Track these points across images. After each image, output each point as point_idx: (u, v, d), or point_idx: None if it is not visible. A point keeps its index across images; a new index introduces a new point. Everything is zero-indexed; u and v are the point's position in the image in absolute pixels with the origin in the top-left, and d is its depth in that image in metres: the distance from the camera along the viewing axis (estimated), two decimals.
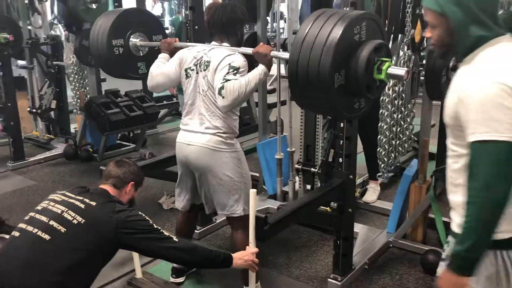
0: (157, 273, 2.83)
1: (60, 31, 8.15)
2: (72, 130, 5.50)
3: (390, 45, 2.79)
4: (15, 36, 4.46)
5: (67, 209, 1.84)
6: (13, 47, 4.55)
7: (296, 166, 3.38)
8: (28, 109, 5.37)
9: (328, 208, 2.73)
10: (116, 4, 5.09)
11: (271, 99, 4.10)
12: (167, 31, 13.08)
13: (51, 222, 1.80)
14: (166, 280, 2.77)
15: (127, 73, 3.08)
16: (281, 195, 3.63)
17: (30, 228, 1.81)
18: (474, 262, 1.37)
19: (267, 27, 6.78)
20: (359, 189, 3.83)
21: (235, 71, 2.28)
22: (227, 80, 2.25)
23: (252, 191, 2.11)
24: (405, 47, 2.88)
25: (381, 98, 3.23)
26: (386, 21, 2.74)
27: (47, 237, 1.77)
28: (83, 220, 1.81)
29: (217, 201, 2.46)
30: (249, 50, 2.33)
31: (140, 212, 1.95)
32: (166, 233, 1.94)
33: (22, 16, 5.07)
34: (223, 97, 2.26)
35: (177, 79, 2.51)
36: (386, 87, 3.13)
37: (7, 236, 2.94)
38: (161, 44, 2.69)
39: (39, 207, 1.91)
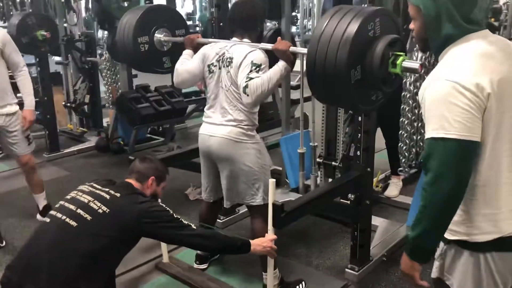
0: (183, 259, 2.98)
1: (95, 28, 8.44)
2: (104, 124, 5.70)
3: (408, 42, 2.84)
4: (51, 34, 4.66)
5: (93, 199, 1.99)
6: (50, 44, 4.74)
7: (318, 160, 3.46)
8: (63, 103, 5.62)
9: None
10: (147, 1, 5.25)
11: (297, 95, 4.18)
12: (197, 28, 13.32)
13: (79, 210, 1.95)
14: (191, 265, 2.91)
15: (152, 68, 3.19)
16: (303, 188, 3.71)
17: (59, 215, 1.97)
18: (423, 251, 1.42)
19: (297, 24, 6.83)
20: (381, 184, 3.88)
21: (258, 68, 2.37)
22: (251, 78, 2.35)
23: (271, 181, 2.22)
24: None
25: (403, 93, 3.29)
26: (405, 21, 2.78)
27: (74, 223, 1.92)
28: (108, 210, 1.95)
29: (237, 190, 2.57)
30: (268, 46, 2.42)
31: (161, 203, 2.10)
32: (186, 222, 2.07)
33: (59, 14, 5.29)
34: (247, 95, 2.36)
35: (200, 75, 2.62)
36: (408, 82, 3.18)
37: None
38: (184, 40, 2.79)
39: (68, 196, 2.07)
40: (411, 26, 1.49)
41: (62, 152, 5.17)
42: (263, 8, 2.62)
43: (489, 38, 1.40)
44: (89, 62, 5.38)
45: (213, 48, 2.60)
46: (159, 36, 3.11)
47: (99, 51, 5.97)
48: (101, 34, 9.47)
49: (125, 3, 4.78)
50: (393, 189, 3.83)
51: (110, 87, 5.29)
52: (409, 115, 3.32)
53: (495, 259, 1.42)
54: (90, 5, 5.26)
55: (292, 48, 2.35)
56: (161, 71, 3.23)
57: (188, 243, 2.20)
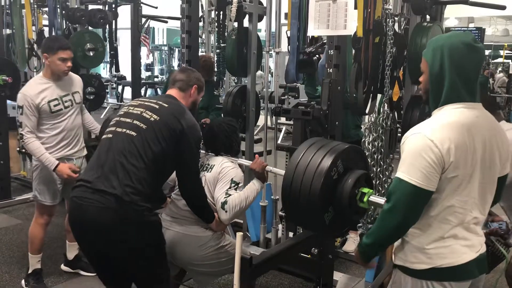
0: None
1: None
2: None
3: (369, 103, 3.02)
4: (13, 78, 4.60)
5: (145, 110, 2.24)
6: (10, 88, 4.66)
7: (280, 213, 3.52)
8: (17, 149, 5.44)
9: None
10: (112, 52, 5.29)
11: (258, 148, 4.28)
12: (156, 79, 13.45)
13: (135, 122, 2.20)
14: None
15: None
16: (264, 241, 3.73)
17: (119, 129, 2.21)
18: (367, 255, 1.78)
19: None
20: (340, 238, 3.96)
21: (236, 186, 2.49)
22: (229, 195, 2.44)
23: (239, 234, 2.24)
24: (385, 106, 3.12)
25: None
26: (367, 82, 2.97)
27: (133, 133, 2.17)
28: (158, 117, 2.20)
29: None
30: (247, 163, 2.59)
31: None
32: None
33: (21, 59, 5.22)
34: (226, 211, 2.43)
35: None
36: (366, 142, 3.34)
37: (82, 272, 3.38)
38: None
39: (121, 112, 2.31)
40: (420, 78, 1.72)
41: (13, 199, 4.96)
42: (236, 129, 2.76)
43: (476, 112, 1.63)
44: None
45: None
46: None
47: None
48: None
49: (91, 52, 4.81)
50: (351, 244, 3.91)
51: None
52: None
53: (434, 286, 1.63)
54: None
55: (268, 168, 2.52)
56: None
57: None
